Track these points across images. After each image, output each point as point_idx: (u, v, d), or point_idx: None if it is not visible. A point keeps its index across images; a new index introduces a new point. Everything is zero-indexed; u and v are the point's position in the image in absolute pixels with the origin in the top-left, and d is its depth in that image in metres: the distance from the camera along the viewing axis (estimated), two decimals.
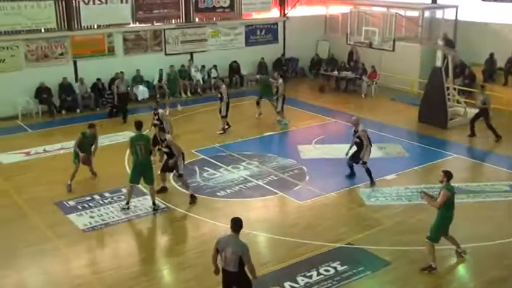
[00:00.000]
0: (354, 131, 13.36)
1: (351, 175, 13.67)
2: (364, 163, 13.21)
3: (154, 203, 11.90)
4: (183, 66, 22.31)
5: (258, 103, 18.97)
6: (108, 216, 11.74)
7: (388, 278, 9.45)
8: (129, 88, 20.17)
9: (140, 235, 11.08)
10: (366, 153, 13.18)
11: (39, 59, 19.57)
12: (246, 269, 7.53)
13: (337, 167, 14.51)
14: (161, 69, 21.60)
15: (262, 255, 10.33)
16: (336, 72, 23.71)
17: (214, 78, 22.63)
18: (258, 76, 21.26)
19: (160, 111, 14.84)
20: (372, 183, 13.18)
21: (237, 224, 7.60)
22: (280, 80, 18.22)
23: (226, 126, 17.40)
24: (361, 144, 13.17)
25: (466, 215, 11.69)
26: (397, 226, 11.25)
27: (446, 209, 9.36)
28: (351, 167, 13.65)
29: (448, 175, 9.44)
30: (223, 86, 17.52)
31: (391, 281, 9.37)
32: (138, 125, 11.69)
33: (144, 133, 11.53)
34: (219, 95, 17.29)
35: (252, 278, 7.68)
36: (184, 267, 9.65)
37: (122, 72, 19.15)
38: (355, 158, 13.41)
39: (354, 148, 13.46)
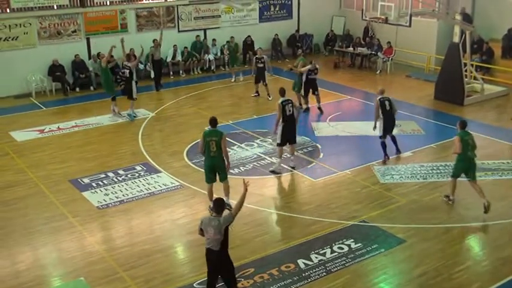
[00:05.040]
0: None
1: (397, 151, 13.51)
2: (380, 137, 13.22)
3: (228, 203, 10.81)
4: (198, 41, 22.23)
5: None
6: (122, 193, 11.78)
7: (402, 256, 9.39)
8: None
9: (154, 212, 11.10)
10: (377, 125, 13.18)
11: (52, 36, 19.55)
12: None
13: (352, 145, 14.44)
14: (175, 45, 21.50)
15: (276, 233, 10.34)
16: (351, 49, 23.42)
17: (228, 54, 22.50)
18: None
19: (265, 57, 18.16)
20: (384, 158, 13.21)
21: (217, 206, 7.59)
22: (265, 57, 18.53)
23: (256, 94, 18.59)
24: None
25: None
26: (412, 204, 11.16)
27: (463, 151, 10.58)
28: (390, 141, 13.47)
29: (461, 124, 10.90)
30: (265, 56, 18.43)
31: (405, 259, 9.32)
32: (213, 122, 10.79)
33: (218, 129, 10.79)
34: (261, 65, 18.12)
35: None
36: (198, 244, 9.61)
37: (155, 40, 19.43)
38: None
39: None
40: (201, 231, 7.67)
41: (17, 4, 18.77)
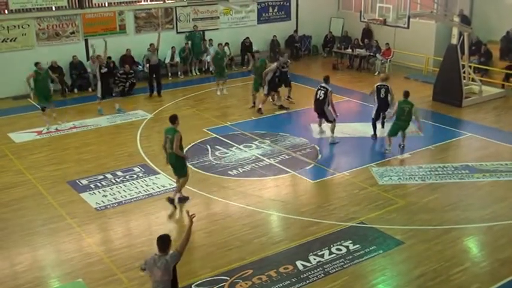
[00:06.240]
0: None
1: (382, 125, 15.11)
2: (372, 118, 14.80)
3: (172, 199, 11.16)
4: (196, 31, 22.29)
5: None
6: (120, 195, 11.77)
7: (400, 258, 9.39)
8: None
9: (152, 214, 11.08)
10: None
11: (50, 38, 19.55)
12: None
13: (350, 146, 14.45)
14: (173, 47, 21.49)
15: (275, 234, 10.32)
16: (349, 50, 23.44)
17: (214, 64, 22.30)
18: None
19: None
20: (372, 138, 14.68)
21: (162, 243, 6.83)
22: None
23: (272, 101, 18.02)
24: None
25: (481, 195, 11.62)
26: (410, 205, 11.17)
27: (398, 115, 13.36)
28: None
29: (404, 94, 13.55)
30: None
31: (403, 260, 9.32)
32: (171, 119, 10.92)
33: (175, 128, 10.82)
34: (286, 69, 18.01)
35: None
36: (194, 246, 9.65)
37: (152, 44, 19.12)
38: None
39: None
40: (143, 271, 7.06)
41: (15, 5, 18.74)
